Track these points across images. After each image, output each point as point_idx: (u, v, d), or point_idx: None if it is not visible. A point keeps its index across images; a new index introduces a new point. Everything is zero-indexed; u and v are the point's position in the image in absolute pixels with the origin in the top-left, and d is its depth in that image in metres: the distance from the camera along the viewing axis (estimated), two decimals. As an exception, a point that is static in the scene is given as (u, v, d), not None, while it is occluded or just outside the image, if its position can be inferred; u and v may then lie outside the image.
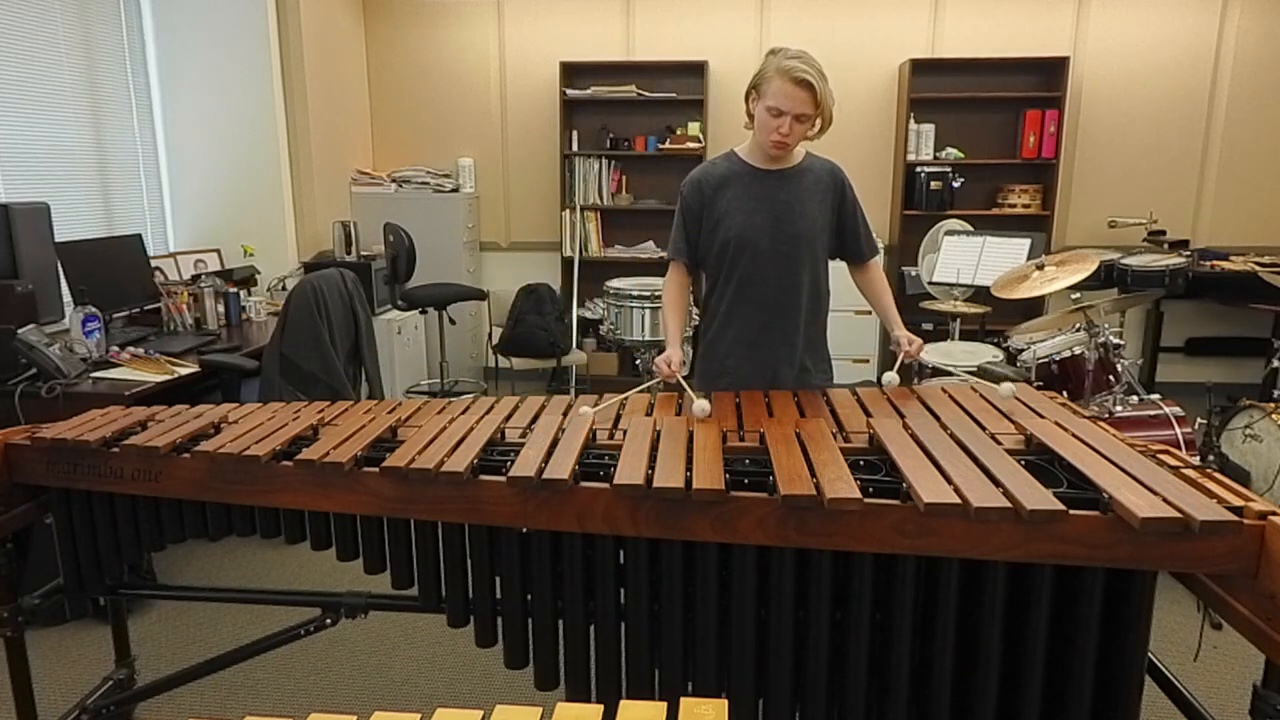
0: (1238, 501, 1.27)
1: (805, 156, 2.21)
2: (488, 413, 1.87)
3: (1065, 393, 3.20)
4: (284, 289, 4.45)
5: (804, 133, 2.06)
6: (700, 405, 1.73)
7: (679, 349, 2.13)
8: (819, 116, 2.03)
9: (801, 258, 2.16)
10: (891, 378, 1.97)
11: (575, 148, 5.39)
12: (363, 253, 4.97)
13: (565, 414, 1.83)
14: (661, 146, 5.29)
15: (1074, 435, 1.54)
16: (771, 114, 2.01)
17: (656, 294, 4.24)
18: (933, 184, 5.10)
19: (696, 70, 5.29)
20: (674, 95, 5.28)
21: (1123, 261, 4.65)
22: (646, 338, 4.33)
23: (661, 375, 2.08)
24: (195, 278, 3.92)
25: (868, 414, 1.78)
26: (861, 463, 1.51)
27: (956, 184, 5.14)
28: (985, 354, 3.52)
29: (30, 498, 1.93)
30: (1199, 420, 3.12)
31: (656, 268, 5.11)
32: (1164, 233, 5.02)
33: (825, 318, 2.30)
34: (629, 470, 1.46)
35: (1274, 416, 3.10)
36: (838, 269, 2.26)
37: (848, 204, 2.24)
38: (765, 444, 1.56)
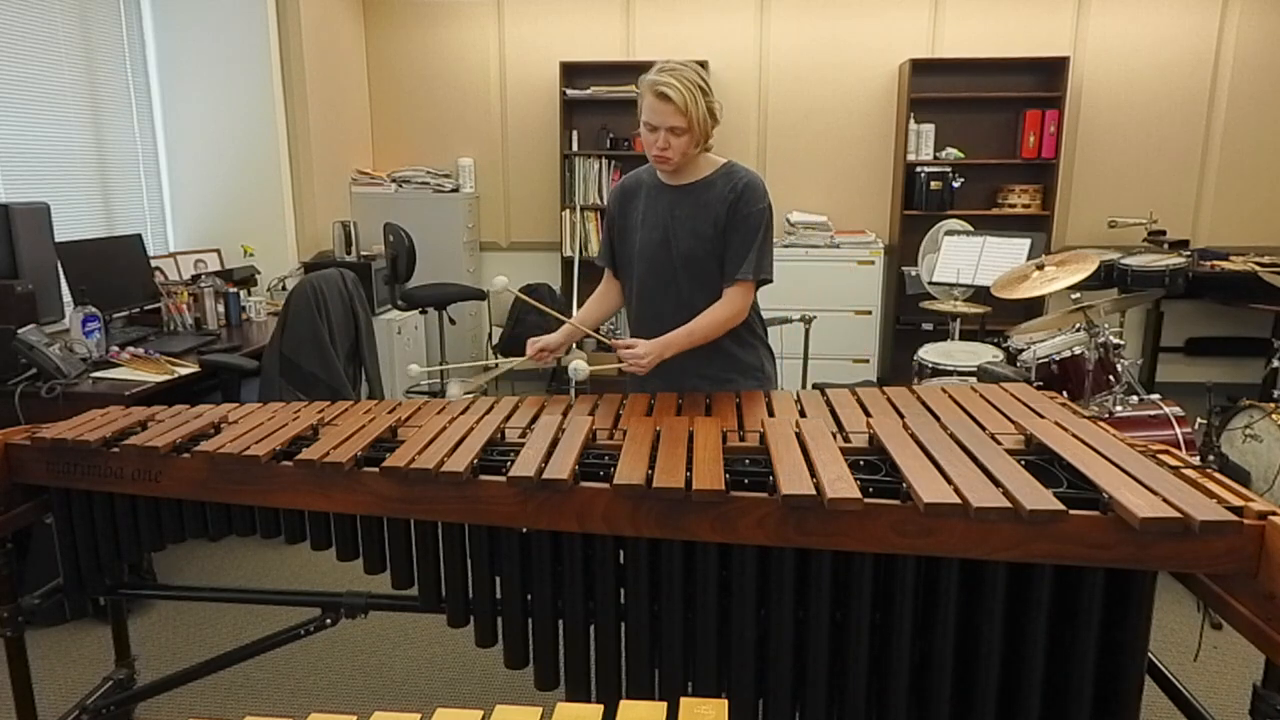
0: (1238, 501, 1.27)
1: (721, 168, 2.07)
2: (488, 413, 1.87)
3: (1065, 393, 3.20)
4: (284, 289, 4.45)
5: (685, 146, 1.97)
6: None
7: (560, 336, 2.20)
8: (691, 129, 1.95)
9: (691, 276, 2.07)
10: (579, 366, 1.95)
11: (575, 148, 5.39)
12: (363, 253, 4.97)
13: (565, 414, 1.83)
14: (661, 146, 5.29)
15: (1074, 435, 1.54)
16: (648, 129, 1.98)
17: None
18: (933, 184, 5.10)
19: (696, 70, 5.28)
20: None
21: (1123, 261, 4.65)
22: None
23: (529, 354, 2.14)
24: (195, 278, 3.92)
25: (868, 414, 1.78)
26: (861, 463, 1.51)
27: (956, 184, 5.14)
28: (985, 354, 3.52)
29: (30, 498, 1.93)
30: (1199, 420, 3.12)
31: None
32: (1164, 233, 5.02)
33: (738, 338, 2.13)
34: (629, 470, 1.46)
35: (1274, 416, 3.10)
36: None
37: (738, 216, 2.03)
38: (765, 444, 1.56)
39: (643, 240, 2.11)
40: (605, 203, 2.21)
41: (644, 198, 2.14)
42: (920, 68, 5.10)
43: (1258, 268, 4.60)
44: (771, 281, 2.07)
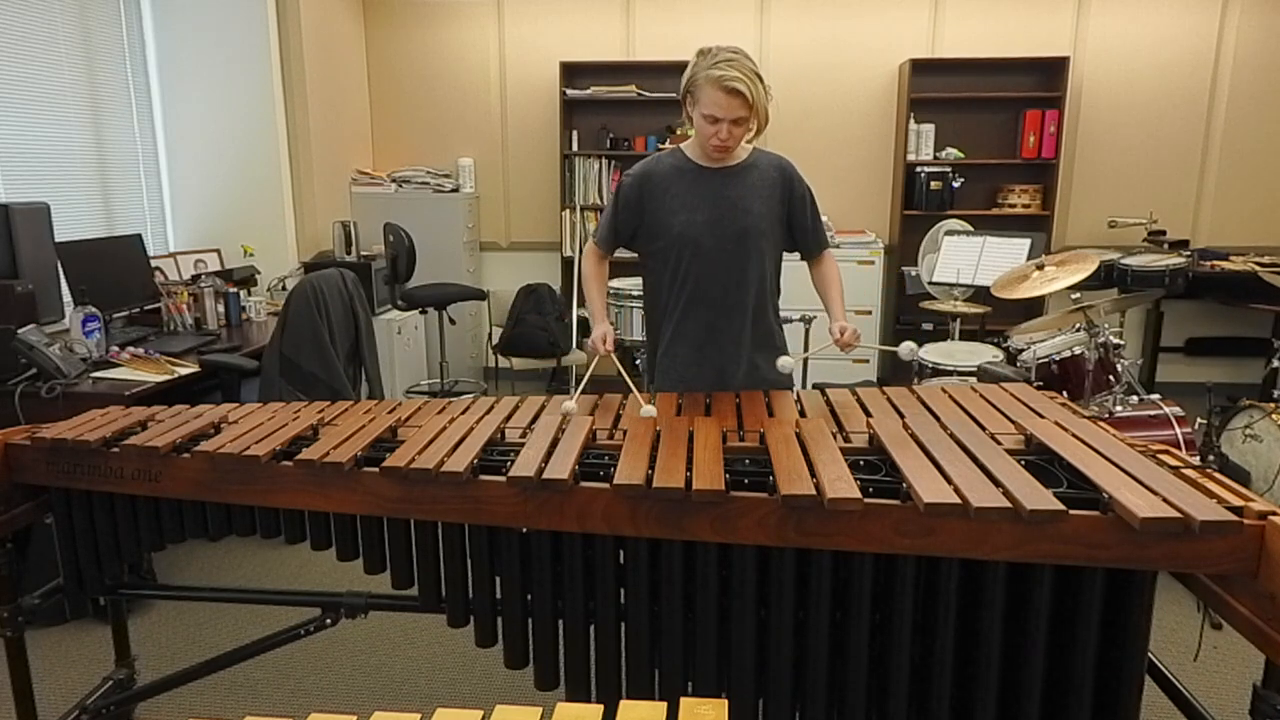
0: (1238, 501, 1.27)
1: (752, 153, 2.18)
2: (488, 413, 1.87)
3: (1065, 393, 3.20)
4: (284, 289, 4.45)
5: (743, 135, 2.05)
6: (647, 410, 1.77)
7: (607, 323, 2.18)
8: (755, 118, 2.02)
9: (747, 254, 2.14)
10: (786, 362, 2.01)
11: (575, 148, 5.39)
12: (363, 253, 4.97)
13: (564, 417, 1.83)
14: (661, 146, 5.29)
15: (1074, 435, 1.54)
16: (708, 121, 2.02)
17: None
18: (933, 184, 5.10)
19: (696, 70, 5.28)
20: (674, 95, 5.24)
21: (1123, 261, 4.65)
22: (638, 337, 4.33)
23: (598, 352, 2.12)
24: (195, 278, 3.92)
25: (868, 414, 1.78)
26: (861, 463, 1.51)
27: (956, 184, 5.14)
28: (985, 354, 3.52)
29: (30, 498, 1.93)
30: (1199, 420, 3.12)
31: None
32: (1164, 233, 5.02)
33: (775, 315, 2.27)
34: (629, 470, 1.46)
35: (1274, 416, 3.10)
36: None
37: (796, 198, 2.19)
38: (765, 444, 1.56)
39: (686, 222, 2.13)
40: (620, 188, 2.21)
41: (679, 182, 2.15)
42: (920, 68, 5.10)
43: (1258, 268, 4.60)
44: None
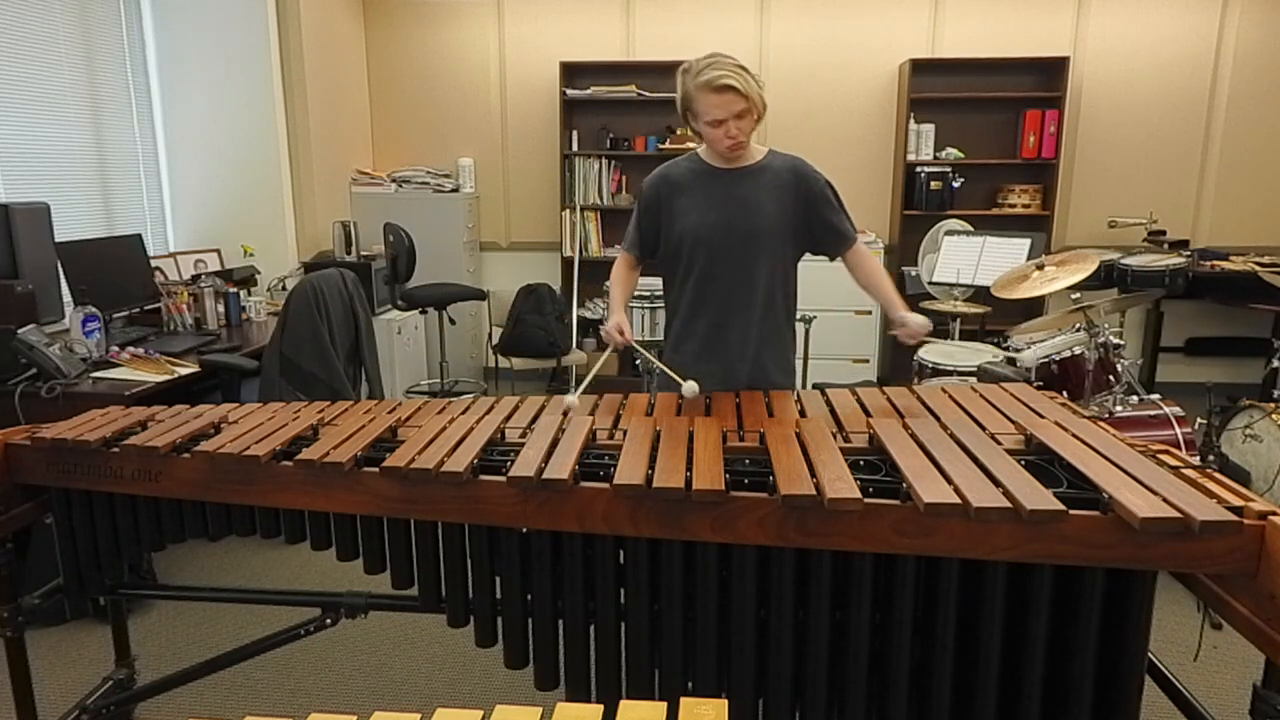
0: (1238, 501, 1.27)
1: (767, 154, 2.21)
2: (488, 413, 1.87)
3: (1065, 393, 3.20)
4: (284, 289, 4.45)
5: (751, 127, 2.08)
6: (690, 386, 1.80)
7: (624, 315, 2.20)
8: (754, 107, 2.04)
9: (756, 254, 2.15)
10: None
11: (575, 148, 5.39)
12: (363, 253, 4.97)
13: (565, 414, 1.83)
14: (661, 146, 5.29)
15: (1074, 435, 1.54)
16: (713, 126, 2.05)
17: (657, 294, 4.26)
18: (933, 184, 5.10)
19: (696, 70, 5.28)
20: (674, 95, 5.25)
21: (1123, 261, 4.65)
22: (646, 337, 4.33)
23: (614, 343, 2.14)
24: (195, 278, 3.92)
25: (868, 414, 1.78)
26: (861, 463, 1.51)
27: (956, 184, 5.14)
28: (985, 354, 3.52)
29: (30, 498, 1.93)
30: (1199, 420, 3.12)
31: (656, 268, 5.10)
32: (1164, 233, 5.02)
33: (786, 317, 2.26)
34: (629, 470, 1.46)
35: (1274, 416, 3.10)
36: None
37: (814, 196, 2.18)
38: (765, 444, 1.56)
39: (697, 223, 2.15)
40: (641, 194, 2.26)
41: (692, 185, 2.19)
42: (920, 68, 5.10)
43: (1258, 268, 4.60)
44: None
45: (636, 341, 2.19)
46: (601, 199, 5.41)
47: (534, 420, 1.81)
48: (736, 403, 1.89)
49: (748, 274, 2.16)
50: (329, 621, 1.91)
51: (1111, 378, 3.13)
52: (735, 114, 2.02)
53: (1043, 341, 3.36)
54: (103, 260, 3.43)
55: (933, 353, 3.57)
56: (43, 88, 3.75)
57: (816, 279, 5.01)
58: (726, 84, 1.98)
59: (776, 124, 5.33)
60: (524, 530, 1.56)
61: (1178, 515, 1.21)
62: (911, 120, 5.07)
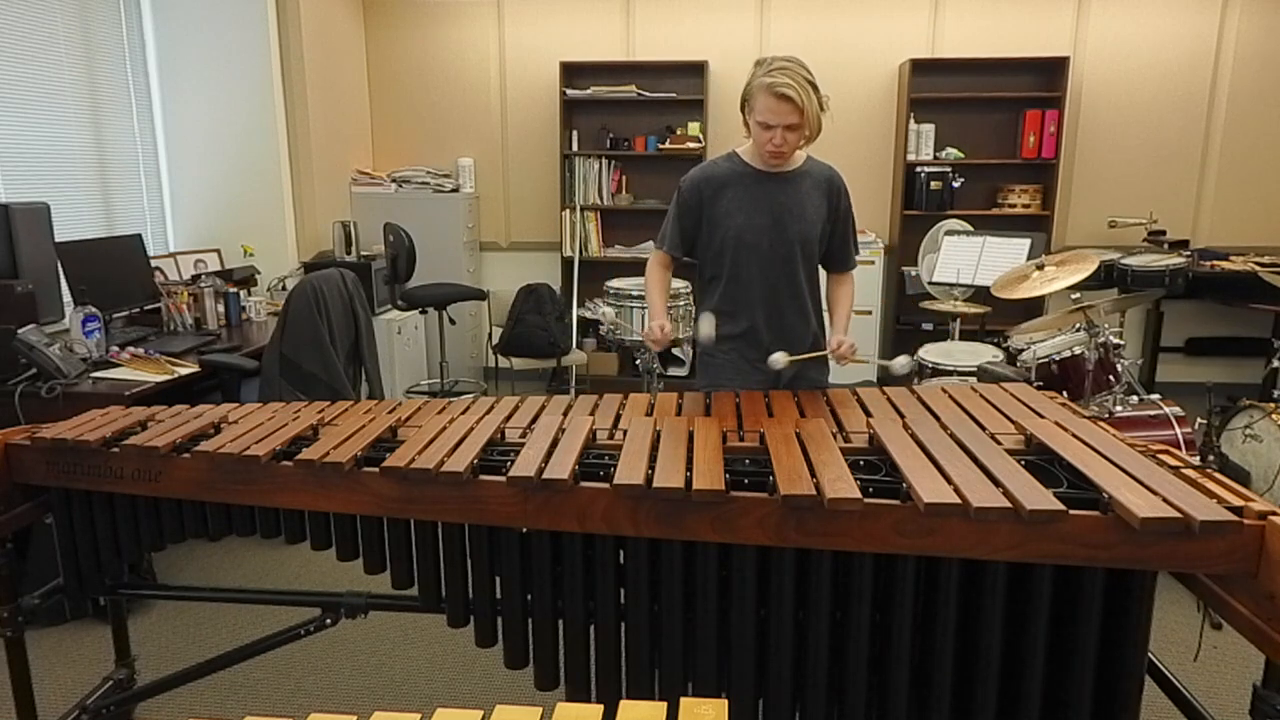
0: (1238, 501, 1.27)
1: (806, 160, 2.25)
2: (488, 413, 1.87)
3: (1065, 393, 3.20)
4: (284, 289, 4.44)
5: (798, 141, 2.09)
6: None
7: (665, 318, 2.21)
8: (807, 125, 2.05)
9: (797, 259, 2.21)
10: (779, 358, 2.06)
11: (575, 148, 5.39)
12: (363, 253, 4.97)
13: (565, 414, 1.83)
14: (661, 146, 5.29)
15: (1074, 435, 1.54)
16: (762, 127, 2.06)
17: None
18: (933, 184, 5.10)
19: (696, 70, 5.28)
20: (674, 95, 5.28)
21: (1123, 261, 4.65)
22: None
23: (653, 343, 2.17)
24: (195, 278, 3.92)
25: (868, 414, 1.78)
26: (861, 463, 1.51)
27: (956, 184, 5.14)
28: (985, 354, 3.52)
29: (30, 498, 1.93)
30: (1199, 420, 3.12)
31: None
32: (1164, 233, 5.02)
33: (819, 317, 2.34)
34: (629, 470, 1.46)
35: (1274, 416, 3.10)
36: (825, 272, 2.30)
37: (841, 211, 2.27)
38: (765, 444, 1.56)
39: (742, 226, 2.18)
40: (680, 193, 2.26)
41: (736, 185, 2.20)
42: (920, 68, 5.10)
43: (1258, 268, 4.60)
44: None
45: (628, 340, 2.23)
46: (601, 199, 5.41)
47: (534, 420, 1.81)
48: (736, 403, 1.89)
49: (792, 277, 2.21)
50: (329, 621, 1.91)
51: (1111, 378, 3.13)
52: (786, 125, 2.03)
53: (1043, 341, 3.36)
54: (103, 260, 3.43)
55: (933, 353, 3.57)
56: (43, 87, 3.75)
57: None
58: (785, 94, 1.99)
59: (776, 124, 5.31)
60: (524, 530, 1.56)
61: (1178, 515, 1.21)
62: (911, 120, 5.07)
